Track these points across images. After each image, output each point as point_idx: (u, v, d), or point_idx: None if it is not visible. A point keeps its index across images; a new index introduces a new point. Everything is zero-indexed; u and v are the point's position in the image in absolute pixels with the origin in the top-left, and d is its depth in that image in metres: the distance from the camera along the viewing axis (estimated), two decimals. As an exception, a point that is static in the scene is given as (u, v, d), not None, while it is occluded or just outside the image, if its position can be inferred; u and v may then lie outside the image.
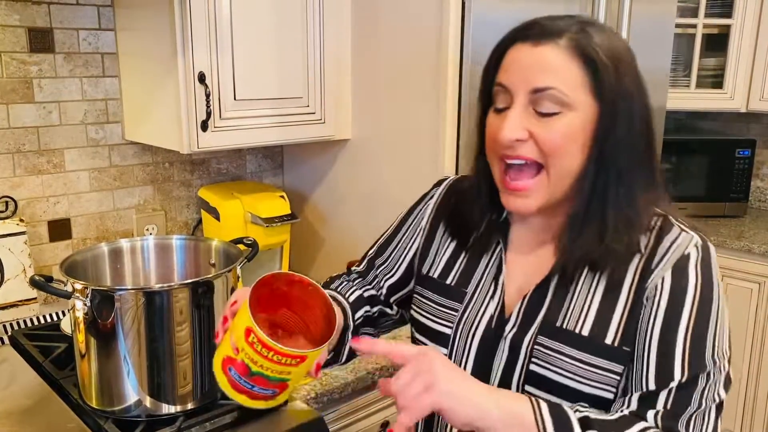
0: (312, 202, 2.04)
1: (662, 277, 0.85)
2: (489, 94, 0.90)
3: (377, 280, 1.12)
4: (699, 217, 2.68)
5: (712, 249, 0.88)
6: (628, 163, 0.85)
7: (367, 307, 1.10)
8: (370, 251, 1.15)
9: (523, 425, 0.78)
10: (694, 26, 2.64)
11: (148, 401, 1.15)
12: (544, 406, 0.80)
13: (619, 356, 0.85)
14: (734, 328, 0.88)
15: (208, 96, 1.52)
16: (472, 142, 0.98)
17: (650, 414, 0.82)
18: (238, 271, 1.24)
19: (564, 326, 0.87)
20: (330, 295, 1.05)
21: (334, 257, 1.95)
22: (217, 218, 1.78)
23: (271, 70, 1.65)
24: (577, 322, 0.87)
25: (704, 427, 0.82)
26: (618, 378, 0.85)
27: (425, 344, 0.99)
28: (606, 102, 0.84)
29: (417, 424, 1.03)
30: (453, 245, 1.02)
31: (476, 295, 0.96)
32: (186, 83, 1.51)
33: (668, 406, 0.82)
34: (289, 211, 1.79)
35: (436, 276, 1.02)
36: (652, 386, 0.83)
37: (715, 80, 2.69)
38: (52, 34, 1.64)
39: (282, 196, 1.81)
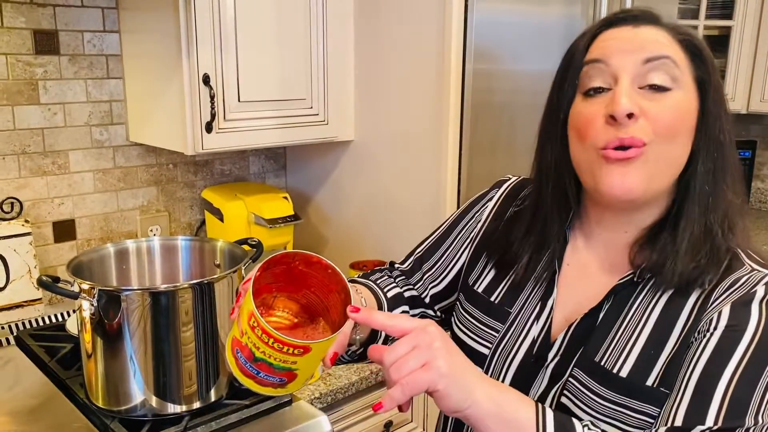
0: (315, 203, 2.05)
1: (719, 311, 0.75)
2: (574, 80, 0.82)
3: (422, 284, 1.05)
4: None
5: None
6: (728, 148, 0.80)
7: (406, 307, 1.02)
8: (418, 250, 1.07)
9: (518, 428, 0.71)
10: (695, 28, 2.65)
11: (153, 401, 1.16)
12: (549, 415, 0.73)
13: (658, 398, 0.77)
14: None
15: (212, 98, 1.53)
16: (524, 140, 0.90)
17: None
18: (243, 271, 1.25)
19: (602, 363, 0.80)
20: (367, 286, 1.00)
21: (337, 258, 1.96)
22: (221, 219, 1.79)
23: (274, 72, 1.66)
24: (617, 360, 0.80)
25: None
26: (652, 422, 0.77)
27: None
28: (708, 91, 0.79)
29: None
30: (504, 259, 0.95)
31: (520, 315, 0.90)
32: (190, 85, 1.52)
33: None
34: (292, 212, 1.80)
35: (480, 290, 0.95)
36: (679, 422, 0.73)
37: (715, 81, 2.70)
38: (57, 36, 1.65)
39: (285, 197, 1.82)
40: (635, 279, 0.82)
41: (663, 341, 0.79)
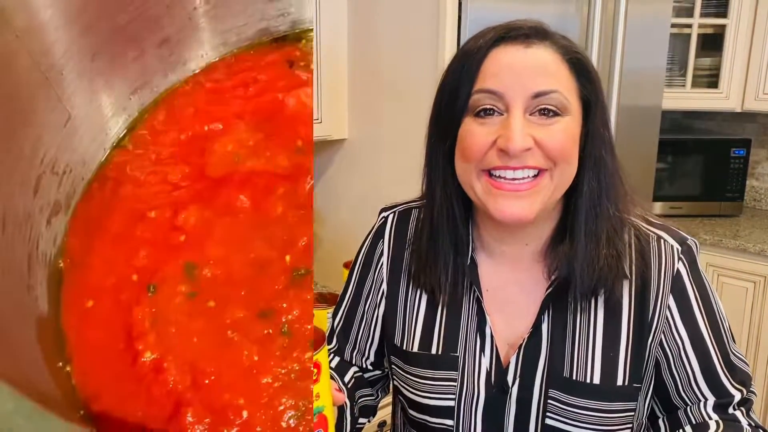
0: (309, 202, 2.05)
1: (668, 307, 0.84)
2: (464, 103, 0.80)
3: (358, 350, 1.00)
4: (694, 217, 2.70)
5: (692, 245, 0.86)
6: (611, 162, 0.82)
7: (356, 368, 0.99)
8: (336, 324, 1.01)
9: None
10: (690, 26, 2.65)
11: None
12: None
13: (631, 394, 0.83)
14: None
15: (204, 96, 1.52)
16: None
17: (733, 409, 0.84)
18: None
19: (574, 377, 0.83)
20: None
21: (331, 256, 1.96)
22: (214, 218, 1.78)
23: (267, 71, 1.65)
24: (586, 370, 0.83)
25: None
26: (632, 414, 0.84)
27: (426, 421, 0.90)
28: (591, 104, 0.81)
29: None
30: (423, 305, 0.91)
31: (467, 355, 0.88)
32: (182, 84, 1.51)
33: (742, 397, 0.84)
34: (286, 211, 1.79)
35: (416, 349, 0.90)
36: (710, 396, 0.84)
37: (710, 80, 2.70)
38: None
39: (279, 196, 1.81)
40: (559, 286, 0.84)
41: (616, 339, 0.83)
